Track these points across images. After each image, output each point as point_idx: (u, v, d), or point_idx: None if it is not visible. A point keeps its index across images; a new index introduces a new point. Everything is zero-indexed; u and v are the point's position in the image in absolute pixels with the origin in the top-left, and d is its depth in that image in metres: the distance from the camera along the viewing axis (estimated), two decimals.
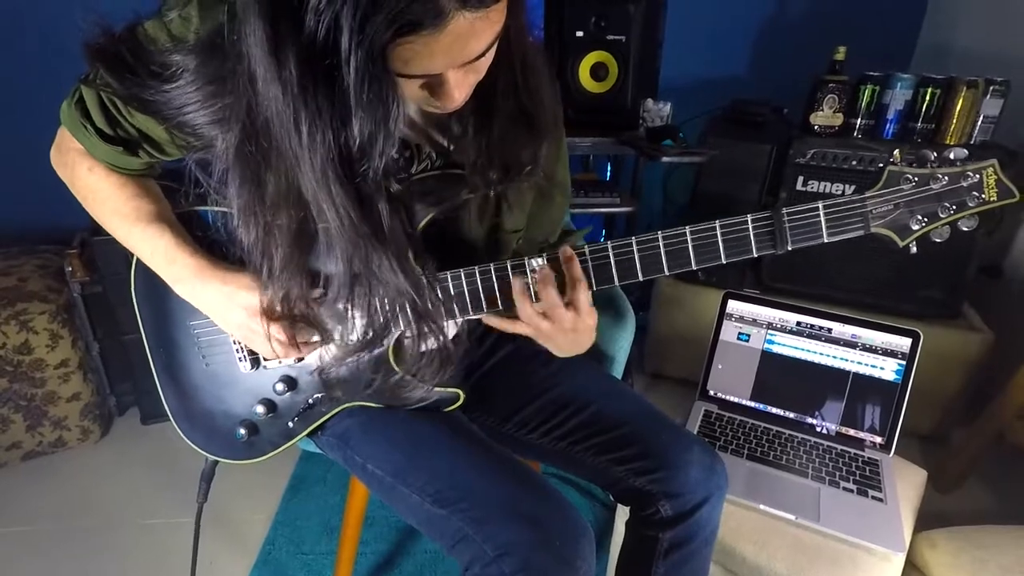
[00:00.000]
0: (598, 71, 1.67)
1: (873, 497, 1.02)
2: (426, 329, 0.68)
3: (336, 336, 0.76)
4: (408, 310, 0.65)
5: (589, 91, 1.69)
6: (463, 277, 0.71)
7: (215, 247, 0.77)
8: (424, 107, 0.62)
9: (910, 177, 0.60)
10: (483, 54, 0.54)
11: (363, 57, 0.46)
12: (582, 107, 1.71)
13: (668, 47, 1.82)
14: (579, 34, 1.64)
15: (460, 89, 0.57)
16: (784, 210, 0.61)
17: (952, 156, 0.60)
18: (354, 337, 0.75)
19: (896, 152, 0.60)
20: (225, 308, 0.74)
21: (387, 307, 0.66)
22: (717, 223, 0.63)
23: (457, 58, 0.52)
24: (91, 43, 0.62)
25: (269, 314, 0.71)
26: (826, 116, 1.52)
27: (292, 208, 0.59)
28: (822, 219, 0.61)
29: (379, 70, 0.47)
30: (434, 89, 0.57)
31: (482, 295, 0.71)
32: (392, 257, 0.60)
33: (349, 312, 0.72)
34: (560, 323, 0.68)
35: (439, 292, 0.70)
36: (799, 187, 1.57)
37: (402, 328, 0.69)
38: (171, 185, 0.78)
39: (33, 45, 1.69)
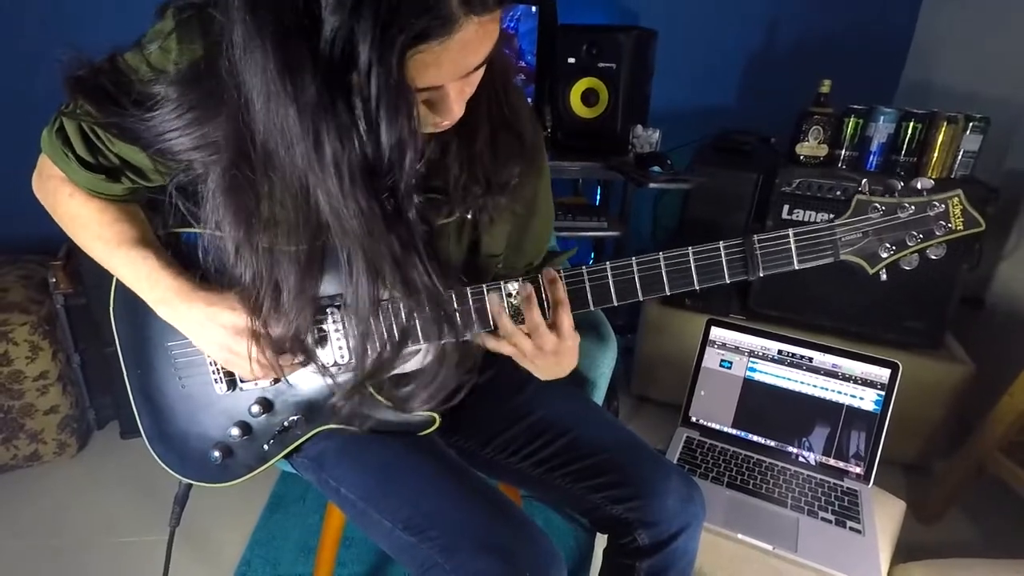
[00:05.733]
0: (589, 97, 1.70)
1: (851, 528, 1.02)
2: (447, 338, 0.69)
3: (319, 358, 0.76)
4: (432, 320, 0.66)
5: (580, 116, 1.72)
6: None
7: (197, 269, 0.76)
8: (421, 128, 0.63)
9: (878, 206, 0.61)
10: (481, 65, 0.55)
11: (383, 68, 0.46)
12: (572, 132, 1.74)
13: (659, 76, 1.86)
14: (571, 60, 1.67)
15: (459, 103, 0.58)
16: (755, 237, 0.62)
17: (919, 186, 0.61)
18: (332, 358, 0.75)
19: (864, 182, 0.61)
20: (206, 328, 0.73)
21: (409, 319, 0.67)
22: (690, 249, 0.64)
23: (461, 67, 0.53)
24: (71, 75, 0.63)
25: (254, 335, 0.70)
26: (811, 147, 1.54)
27: (304, 234, 0.59)
28: (792, 246, 0.62)
29: (398, 80, 0.48)
30: (434, 104, 0.57)
31: (458, 319, 0.71)
32: (424, 264, 0.61)
33: (332, 333, 0.72)
34: (542, 344, 0.69)
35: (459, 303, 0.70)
36: (784, 215, 1.59)
37: (421, 342, 0.70)
38: (159, 198, 0.77)
39: (13, 59, 1.70)
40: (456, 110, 0.58)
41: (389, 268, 0.60)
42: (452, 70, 0.53)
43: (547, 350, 0.69)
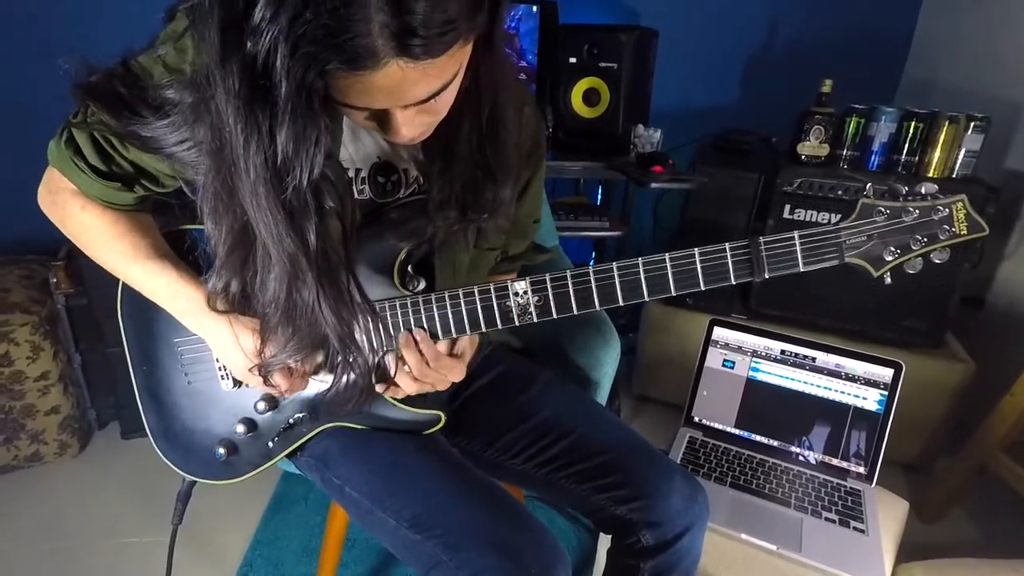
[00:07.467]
0: (590, 96, 1.70)
1: (855, 528, 1.02)
2: (349, 357, 0.67)
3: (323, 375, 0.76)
4: (331, 334, 0.64)
5: (581, 116, 1.72)
6: (447, 299, 0.71)
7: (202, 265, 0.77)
8: (382, 136, 0.62)
9: (882, 210, 0.61)
10: (432, 97, 0.54)
11: (294, 82, 0.46)
12: (574, 131, 1.74)
13: (660, 76, 1.86)
14: (572, 60, 1.67)
15: (408, 127, 0.57)
16: (761, 239, 0.62)
17: (923, 191, 0.61)
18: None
19: (869, 185, 0.61)
20: (230, 350, 0.73)
21: (313, 327, 0.65)
22: (696, 251, 0.64)
23: (397, 100, 0.53)
24: (82, 82, 0.61)
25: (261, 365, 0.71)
26: (813, 146, 1.54)
27: (236, 209, 0.58)
28: (798, 249, 0.62)
29: (309, 96, 0.48)
30: (381, 122, 0.57)
31: (465, 318, 0.71)
32: (313, 278, 0.59)
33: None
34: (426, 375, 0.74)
35: (378, 322, 0.69)
36: (786, 215, 1.59)
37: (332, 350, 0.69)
38: (169, 200, 0.77)
39: (13, 62, 1.69)
40: (405, 133, 0.57)
41: (287, 271, 0.59)
42: (387, 100, 0.53)
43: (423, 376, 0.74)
